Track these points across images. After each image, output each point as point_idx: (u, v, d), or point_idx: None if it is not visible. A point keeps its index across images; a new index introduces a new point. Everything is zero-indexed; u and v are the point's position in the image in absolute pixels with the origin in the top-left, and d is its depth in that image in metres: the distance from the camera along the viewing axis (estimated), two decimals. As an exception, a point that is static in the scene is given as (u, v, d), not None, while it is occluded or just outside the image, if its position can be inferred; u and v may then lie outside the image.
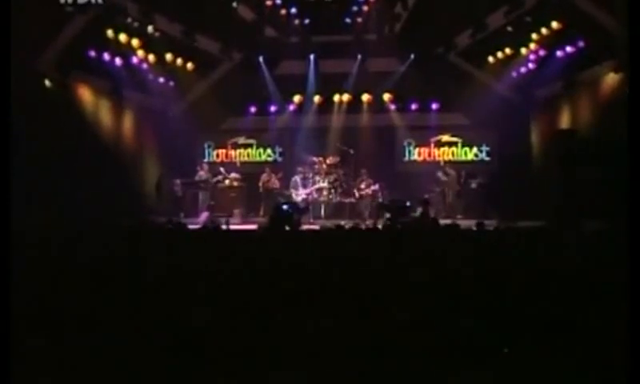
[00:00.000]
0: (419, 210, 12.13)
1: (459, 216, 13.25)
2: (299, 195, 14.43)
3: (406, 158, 16.60)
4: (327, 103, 16.22)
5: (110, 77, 13.07)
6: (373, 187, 14.34)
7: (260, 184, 14.94)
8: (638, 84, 4.18)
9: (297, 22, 14.55)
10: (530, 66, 13.86)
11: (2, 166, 3.83)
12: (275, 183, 14.94)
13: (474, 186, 14.80)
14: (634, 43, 4.37)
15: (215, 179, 15.10)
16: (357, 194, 14.45)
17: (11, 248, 3.62)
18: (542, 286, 3.83)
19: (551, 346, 2.97)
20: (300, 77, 16.03)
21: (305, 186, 14.68)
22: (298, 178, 14.76)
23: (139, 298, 3.71)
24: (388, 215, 11.64)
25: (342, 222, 10.97)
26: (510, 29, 13.10)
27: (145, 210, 13.05)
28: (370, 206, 14.35)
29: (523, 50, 13.52)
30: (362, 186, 14.45)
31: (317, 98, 16.16)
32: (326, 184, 14.70)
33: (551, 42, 12.73)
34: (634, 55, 4.37)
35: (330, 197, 14.74)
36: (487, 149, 16.17)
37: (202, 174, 15.01)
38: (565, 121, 13.36)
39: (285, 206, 11.28)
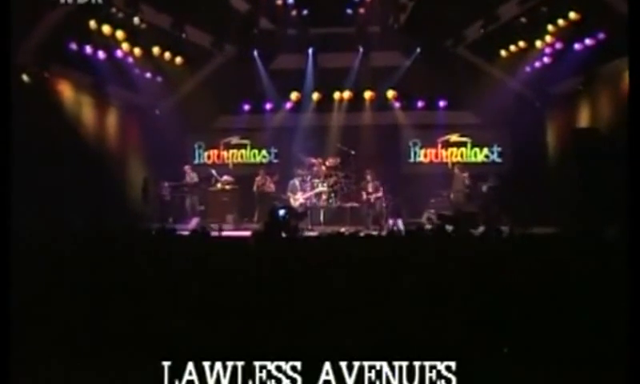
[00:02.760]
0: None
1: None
2: (297, 199, 14.35)
3: (412, 160, 16.59)
4: (327, 101, 16.22)
5: (93, 71, 13.00)
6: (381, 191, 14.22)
7: (254, 187, 14.87)
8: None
9: (294, 12, 14.47)
10: (546, 60, 13.79)
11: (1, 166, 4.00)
12: (270, 186, 14.87)
13: (484, 189, 14.71)
14: (634, 42, 4.34)
15: (203, 176, 15.01)
16: (364, 198, 14.30)
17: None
18: (560, 298, 3.79)
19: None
20: (298, 72, 16.00)
21: (303, 190, 14.59)
22: (295, 181, 14.67)
23: (134, 300, 3.85)
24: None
25: (343, 229, 10.93)
26: (523, 20, 13.06)
27: (130, 215, 12.97)
28: (376, 211, 14.22)
29: (538, 43, 13.44)
30: (370, 189, 14.27)
31: (315, 95, 16.14)
32: (325, 187, 14.62)
33: (569, 35, 12.65)
34: (633, 55, 4.35)
35: (330, 201, 14.65)
36: (499, 149, 16.19)
37: (189, 175, 14.95)
38: (583, 118, 13.35)
39: (281, 211, 11.21)
